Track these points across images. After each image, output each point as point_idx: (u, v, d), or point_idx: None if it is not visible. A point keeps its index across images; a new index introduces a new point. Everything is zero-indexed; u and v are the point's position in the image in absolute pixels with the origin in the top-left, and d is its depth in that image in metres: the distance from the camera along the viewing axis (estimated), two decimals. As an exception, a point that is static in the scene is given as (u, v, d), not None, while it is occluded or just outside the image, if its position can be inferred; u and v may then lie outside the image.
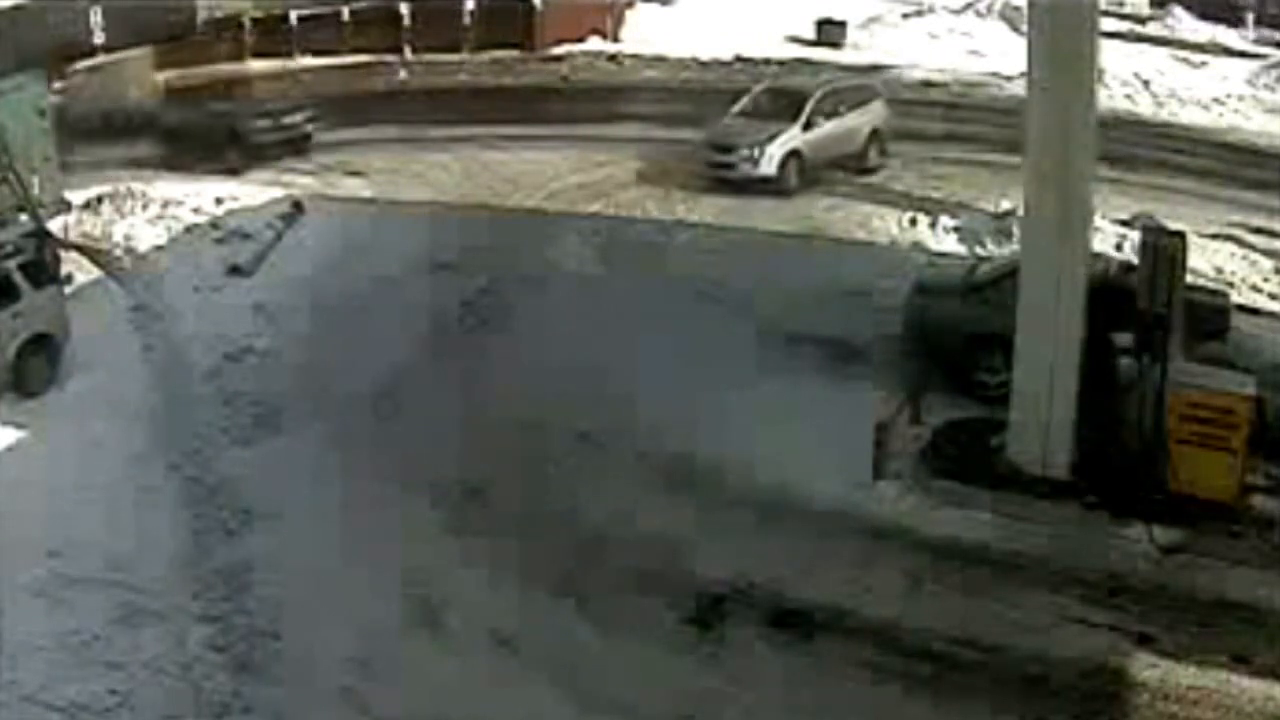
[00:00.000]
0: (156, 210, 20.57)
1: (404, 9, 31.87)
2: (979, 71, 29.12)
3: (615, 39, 32.36)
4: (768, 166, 21.86)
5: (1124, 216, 18.90)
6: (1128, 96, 27.01)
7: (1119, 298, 12.94)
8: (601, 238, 19.81)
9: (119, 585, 11.98)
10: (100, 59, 27.35)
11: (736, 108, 23.31)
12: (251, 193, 21.57)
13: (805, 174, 22.12)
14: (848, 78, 25.12)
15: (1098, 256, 14.50)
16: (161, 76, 28.17)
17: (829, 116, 22.54)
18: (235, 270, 18.73)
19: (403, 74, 30.37)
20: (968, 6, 34.27)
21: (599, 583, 12.04)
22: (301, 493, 13.43)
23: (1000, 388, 13.94)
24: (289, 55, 31.76)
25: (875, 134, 23.17)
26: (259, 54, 31.82)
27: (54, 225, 18.91)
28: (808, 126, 22.27)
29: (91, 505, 13.08)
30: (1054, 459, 13.08)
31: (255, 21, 32.18)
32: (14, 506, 12.84)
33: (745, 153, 21.96)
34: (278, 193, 21.59)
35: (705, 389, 14.87)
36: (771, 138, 22.00)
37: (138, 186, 21.33)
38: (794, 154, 22.05)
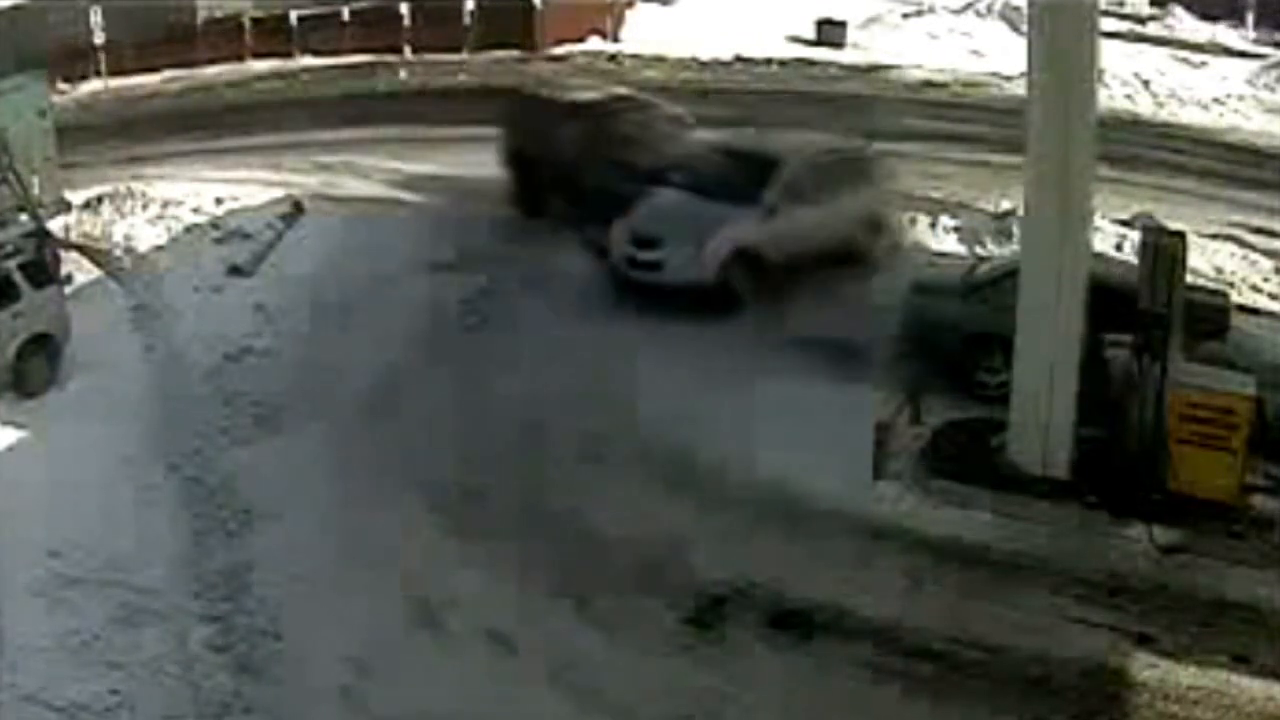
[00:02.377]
0: (156, 210, 20.58)
1: (404, 9, 31.91)
2: (979, 71, 29.13)
3: (615, 39, 32.38)
4: (702, 269, 16.26)
5: (1124, 216, 18.92)
6: (1128, 96, 27.02)
7: (1117, 298, 12.93)
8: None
9: (119, 585, 11.99)
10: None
11: (674, 177, 17.60)
12: (251, 193, 21.56)
13: (767, 280, 16.44)
14: (837, 141, 19.13)
15: (1098, 256, 14.48)
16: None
17: (809, 195, 16.89)
18: (235, 270, 18.72)
19: (403, 74, 30.38)
20: (968, 6, 34.29)
21: (598, 583, 12.03)
22: (302, 493, 13.43)
23: (1000, 388, 13.94)
24: (289, 55, 31.80)
25: (874, 226, 17.58)
26: (259, 54, 31.87)
27: (54, 225, 18.91)
28: (772, 211, 16.67)
29: (92, 505, 13.08)
30: (1054, 459, 13.09)
31: (255, 21, 32.22)
32: (14, 506, 12.84)
33: (671, 249, 16.42)
34: (278, 193, 21.58)
35: (705, 388, 14.87)
36: (712, 226, 16.45)
37: (138, 186, 21.35)
38: (745, 253, 16.45)
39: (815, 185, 17.06)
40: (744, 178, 17.02)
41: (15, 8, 29.25)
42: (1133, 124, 25.00)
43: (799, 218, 16.78)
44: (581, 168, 18.47)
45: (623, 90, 22.01)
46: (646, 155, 18.69)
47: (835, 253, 16.92)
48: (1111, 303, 12.90)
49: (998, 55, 29.19)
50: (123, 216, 20.39)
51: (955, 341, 14.90)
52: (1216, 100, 27.17)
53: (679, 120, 20.40)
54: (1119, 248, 17.81)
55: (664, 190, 17.48)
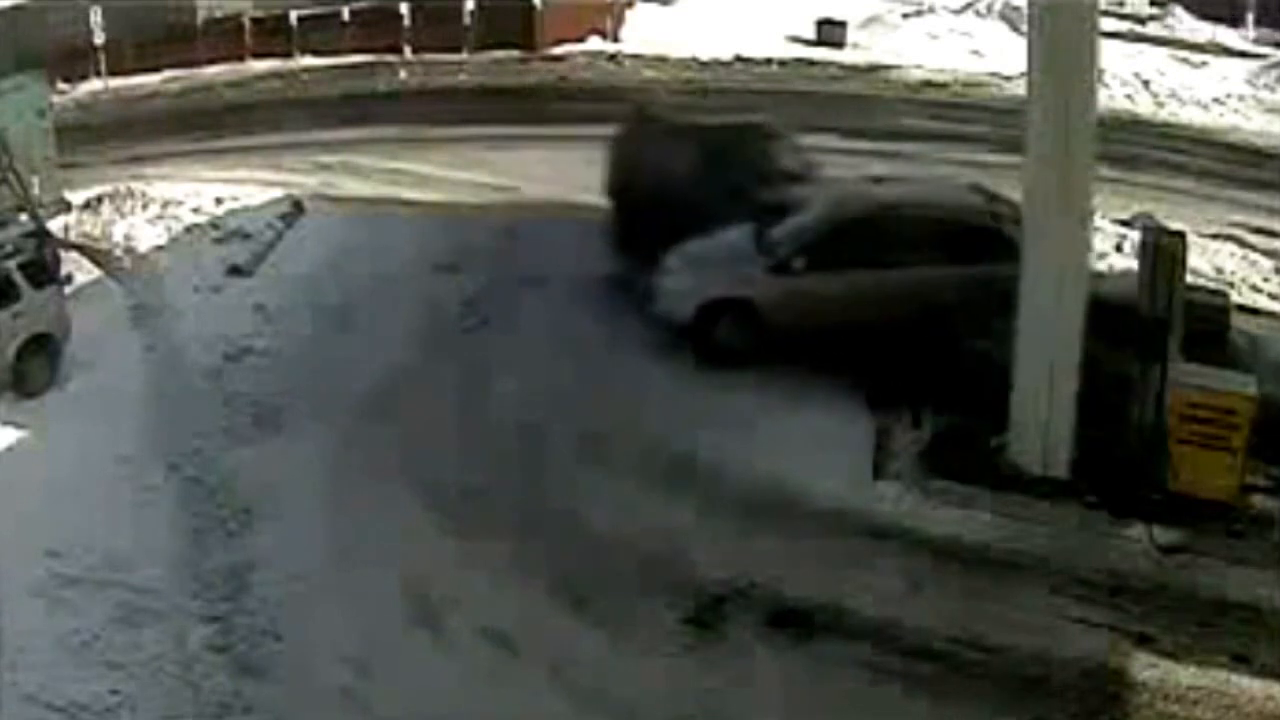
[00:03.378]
0: (156, 210, 20.57)
1: (404, 9, 31.90)
2: (979, 71, 29.12)
3: (615, 39, 32.35)
4: (683, 308, 15.49)
5: (1124, 216, 18.92)
6: (1128, 96, 26.99)
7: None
8: (604, 236, 19.74)
9: (119, 585, 11.99)
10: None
11: (790, 223, 15.78)
12: (251, 193, 21.56)
13: (773, 342, 15.07)
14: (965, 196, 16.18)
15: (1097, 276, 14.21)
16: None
17: (877, 259, 14.85)
18: (235, 270, 18.73)
19: (403, 74, 30.37)
20: (968, 6, 34.25)
21: (598, 583, 12.04)
22: (301, 493, 13.43)
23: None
24: (289, 55, 31.79)
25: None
26: (259, 54, 31.86)
27: (54, 225, 18.92)
28: (783, 268, 15.20)
29: (91, 505, 13.08)
30: (1054, 459, 13.08)
31: (255, 21, 32.20)
32: (14, 506, 12.84)
33: (669, 281, 15.68)
34: (278, 193, 21.58)
35: (706, 388, 14.87)
36: (723, 270, 15.65)
37: (138, 186, 21.34)
38: (741, 307, 15.30)
39: (875, 248, 14.95)
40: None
41: (15, 8, 29.24)
42: (1133, 124, 24.98)
43: (818, 284, 15.00)
44: (696, 205, 16.14)
45: (755, 118, 19.56)
46: (769, 195, 16.50)
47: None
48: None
49: (998, 55, 29.15)
50: (123, 216, 20.38)
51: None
52: (1216, 100, 27.15)
53: (802, 153, 18.07)
54: (1119, 248, 17.81)
55: (738, 230, 16.01)
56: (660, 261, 15.93)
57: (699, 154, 16.87)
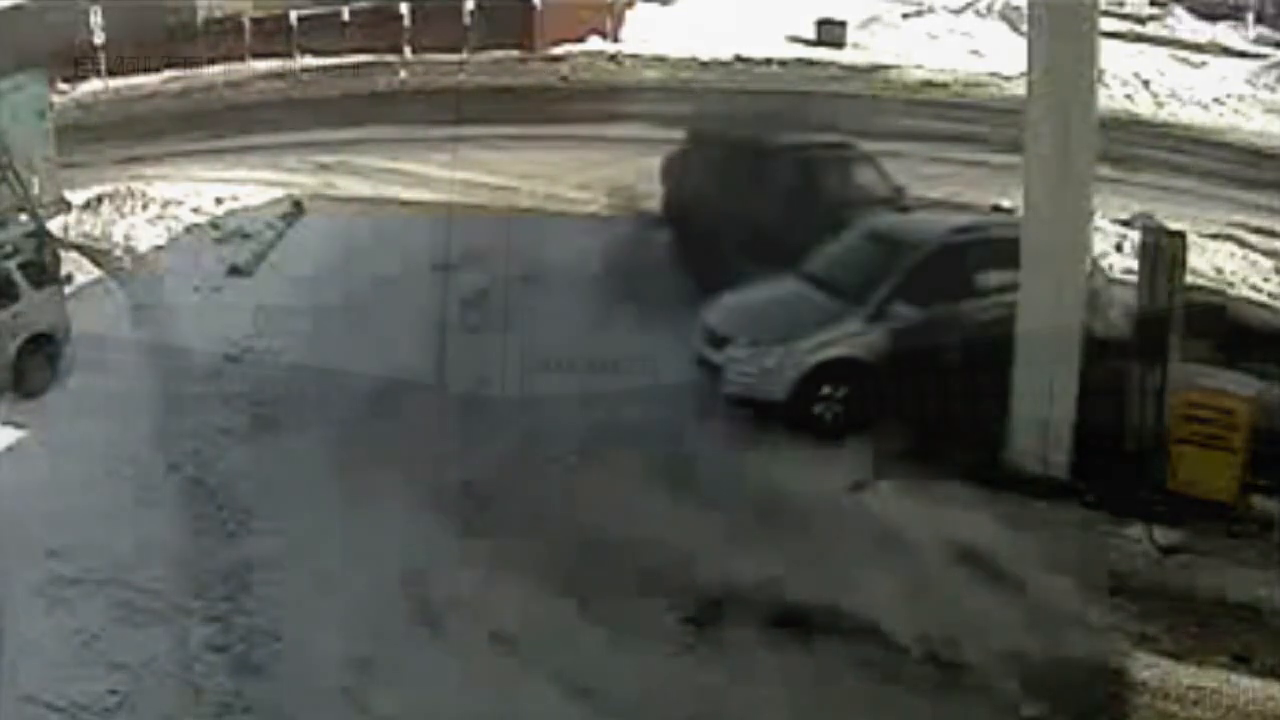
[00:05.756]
0: (156, 210, 20.60)
1: (404, 9, 31.94)
2: (979, 71, 29.15)
3: (615, 39, 32.39)
4: (774, 384, 13.57)
5: (1124, 216, 18.93)
6: (1128, 96, 27.05)
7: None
8: (603, 237, 19.78)
9: (119, 585, 11.99)
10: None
11: (816, 264, 14.51)
12: (251, 193, 21.57)
13: (866, 410, 13.49)
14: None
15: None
16: None
17: (958, 289, 13.72)
18: (235, 270, 18.74)
19: (403, 74, 30.40)
20: (968, 6, 34.32)
21: (599, 583, 12.03)
22: (301, 493, 13.43)
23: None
24: (289, 55, 31.82)
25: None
26: (259, 54, 31.89)
27: (54, 225, 18.93)
28: (878, 315, 13.54)
29: (91, 505, 13.08)
30: (1054, 459, 13.08)
31: (255, 21, 32.24)
32: (14, 506, 12.85)
33: (743, 355, 13.78)
34: (278, 193, 21.59)
35: (707, 389, 14.86)
36: (795, 333, 13.64)
37: (138, 186, 21.37)
38: (839, 366, 13.53)
39: (967, 271, 13.92)
40: (883, 265, 13.93)
41: (15, 8, 29.29)
42: (1133, 124, 25.01)
43: (917, 320, 13.65)
44: (778, 232, 14.89)
45: (833, 138, 17.94)
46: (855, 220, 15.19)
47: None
48: None
49: (998, 55, 29.21)
50: (123, 216, 20.40)
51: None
52: (1216, 100, 27.21)
53: (886, 176, 17.09)
54: (1119, 248, 17.83)
55: (784, 283, 14.44)
56: (708, 332, 14.29)
57: (776, 176, 15.86)
